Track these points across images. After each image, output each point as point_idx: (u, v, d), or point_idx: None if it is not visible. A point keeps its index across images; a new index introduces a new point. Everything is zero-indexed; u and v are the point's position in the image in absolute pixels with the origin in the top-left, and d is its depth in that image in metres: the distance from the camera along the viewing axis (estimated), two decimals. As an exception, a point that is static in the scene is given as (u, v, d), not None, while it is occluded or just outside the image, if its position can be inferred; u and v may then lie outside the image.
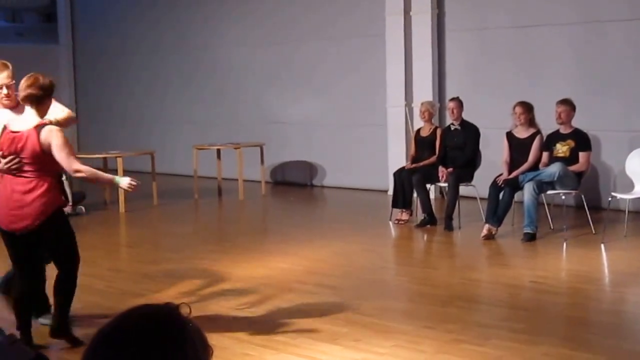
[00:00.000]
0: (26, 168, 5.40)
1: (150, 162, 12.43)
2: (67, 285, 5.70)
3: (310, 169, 14.00)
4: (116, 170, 11.75)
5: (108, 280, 7.87)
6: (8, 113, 5.73)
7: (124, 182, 5.61)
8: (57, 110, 5.79)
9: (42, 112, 5.48)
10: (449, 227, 9.47)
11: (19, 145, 5.37)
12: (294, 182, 14.12)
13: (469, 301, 6.93)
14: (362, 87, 13.00)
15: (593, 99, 9.97)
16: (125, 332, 1.67)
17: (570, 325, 6.22)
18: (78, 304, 7.03)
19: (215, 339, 5.64)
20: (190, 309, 1.78)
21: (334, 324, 6.07)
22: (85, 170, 5.46)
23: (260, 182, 13.15)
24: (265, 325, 6.10)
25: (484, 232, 8.94)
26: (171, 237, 9.91)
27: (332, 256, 8.45)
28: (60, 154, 5.33)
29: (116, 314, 1.74)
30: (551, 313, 6.48)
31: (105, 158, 12.62)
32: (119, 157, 12.07)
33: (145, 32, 16.19)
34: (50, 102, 5.54)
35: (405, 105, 12.13)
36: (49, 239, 5.57)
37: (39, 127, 5.37)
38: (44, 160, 5.38)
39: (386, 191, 12.16)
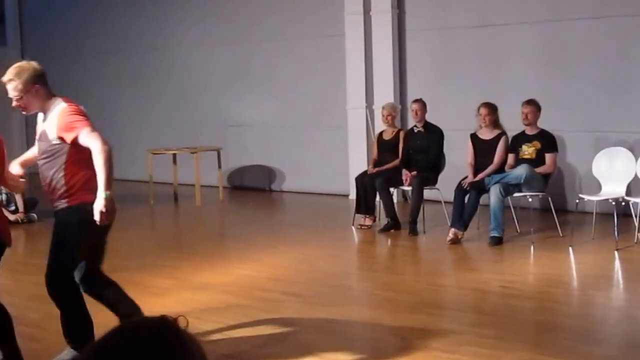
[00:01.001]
0: None
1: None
2: None
3: (268, 173, 13.73)
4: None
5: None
6: None
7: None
8: None
9: None
10: (413, 232, 9.27)
11: None
12: (252, 187, 13.83)
13: (437, 307, 6.78)
14: (322, 88, 12.78)
15: (558, 99, 9.85)
16: (120, 347, 1.55)
17: (541, 330, 6.07)
18: (36, 314, 6.75)
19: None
20: (187, 321, 1.65)
21: (301, 333, 5.87)
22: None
23: (217, 187, 12.86)
24: (231, 335, 5.84)
25: (450, 236, 8.75)
26: (128, 244, 9.54)
27: (295, 262, 8.21)
28: None
29: (109, 329, 1.61)
30: (521, 318, 6.36)
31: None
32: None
33: (98, 33, 15.77)
34: None
35: (366, 107, 11.93)
36: None
37: None
38: None
39: (347, 195, 11.95)
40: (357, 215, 9.89)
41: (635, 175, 8.66)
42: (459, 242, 8.75)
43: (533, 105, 8.89)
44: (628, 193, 8.62)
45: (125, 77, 15.48)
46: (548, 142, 8.87)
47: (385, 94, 11.56)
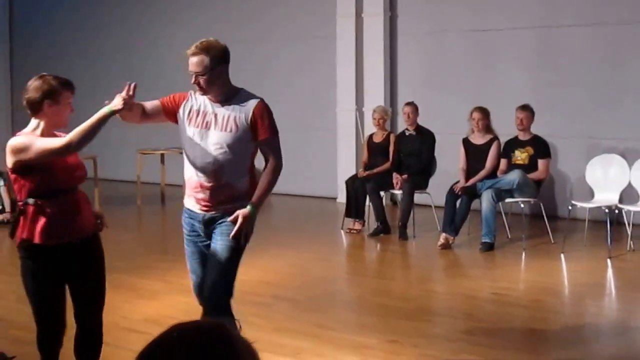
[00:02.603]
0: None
1: (92, 167, 11.94)
2: None
3: (256, 174, 13.60)
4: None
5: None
6: None
7: (117, 102, 4.55)
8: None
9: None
10: (403, 236, 9.20)
11: None
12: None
13: (432, 314, 6.76)
14: (312, 90, 12.69)
15: (550, 105, 9.81)
16: (171, 353, 1.55)
17: (534, 339, 6.05)
18: (27, 317, 6.60)
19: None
20: (240, 325, 1.68)
21: (295, 338, 5.80)
22: (72, 138, 4.34)
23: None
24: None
25: (441, 241, 8.69)
26: (117, 245, 9.37)
27: (286, 266, 8.13)
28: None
29: (159, 333, 1.62)
30: (514, 326, 6.32)
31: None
32: (59, 160, 11.51)
33: (87, 33, 15.61)
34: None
35: (356, 109, 11.85)
36: None
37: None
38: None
39: (335, 198, 11.87)
40: (346, 219, 9.81)
41: (629, 183, 8.63)
42: (449, 247, 8.69)
43: (528, 111, 8.85)
44: (620, 201, 8.59)
45: (114, 76, 15.29)
46: (541, 148, 8.83)
47: (375, 97, 11.49)
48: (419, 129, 9.62)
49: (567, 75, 10.05)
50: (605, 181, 8.81)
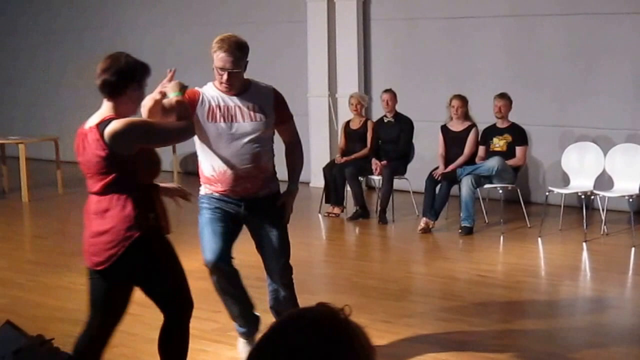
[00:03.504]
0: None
1: (54, 149, 11.81)
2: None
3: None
4: (17, 158, 11.15)
5: (30, 274, 7.42)
6: None
7: (174, 85, 4.38)
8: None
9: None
10: (383, 220, 9.31)
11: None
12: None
13: (417, 294, 6.92)
14: (282, 76, 12.60)
15: (526, 93, 9.96)
16: (289, 344, 1.55)
17: (514, 313, 6.32)
18: (4, 299, 6.55)
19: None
20: (350, 309, 1.64)
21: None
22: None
23: (171, 172, 12.68)
24: (217, 321, 5.77)
25: (422, 225, 8.82)
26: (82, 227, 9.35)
27: (270, 249, 8.13)
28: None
29: (271, 325, 1.61)
30: (499, 305, 6.51)
31: (2, 144, 11.99)
32: (21, 143, 11.38)
33: (39, 11, 15.29)
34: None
35: (329, 95, 11.87)
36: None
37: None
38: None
39: (308, 183, 11.89)
40: (325, 204, 9.87)
41: (603, 169, 8.84)
42: (429, 231, 8.82)
43: (506, 99, 9.01)
44: (594, 187, 8.79)
45: (76, 59, 15.09)
46: (519, 135, 9.00)
47: (349, 83, 11.52)
48: (398, 116, 9.71)
49: (543, 63, 10.21)
50: (580, 168, 9.01)
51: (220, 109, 4.70)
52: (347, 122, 10.17)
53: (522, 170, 9.57)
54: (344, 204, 9.79)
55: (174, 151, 12.59)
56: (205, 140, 4.75)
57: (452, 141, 9.19)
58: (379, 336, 5.54)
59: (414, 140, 9.77)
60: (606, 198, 8.62)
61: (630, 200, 8.41)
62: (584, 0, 9.85)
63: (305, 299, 6.33)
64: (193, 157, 13.59)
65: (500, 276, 7.33)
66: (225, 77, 4.64)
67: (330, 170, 9.82)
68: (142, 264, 4.05)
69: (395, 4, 11.50)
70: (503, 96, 9.01)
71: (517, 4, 10.37)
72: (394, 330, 5.67)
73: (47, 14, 15.26)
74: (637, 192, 8.46)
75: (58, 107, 15.10)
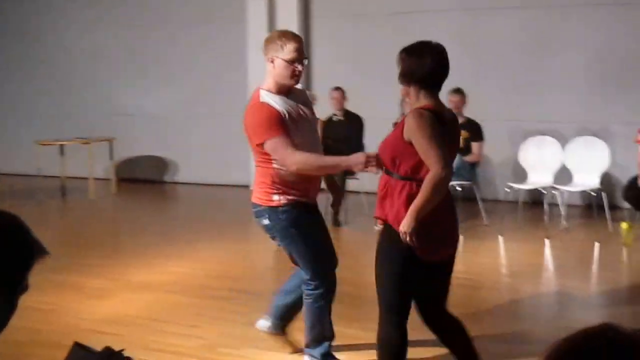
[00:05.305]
0: None
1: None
2: None
3: (162, 164, 13.18)
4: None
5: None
6: None
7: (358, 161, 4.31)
8: None
9: None
10: (336, 223, 9.10)
11: None
12: (145, 179, 13.24)
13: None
14: (221, 75, 12.35)
15: (477, 88, 9.88)
16: None
17: (499, 317, 6.11)
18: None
19: (155, 357, 4.96)
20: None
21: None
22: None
23: (109, 179, 12.26)
24: (201, 336, 5.49)
25: (379, 225, 8.59)
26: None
27: (230, 257, 7.88)
28: None
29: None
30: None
31: None
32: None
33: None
34: None
35: (270, 95, 11.59)
36: None
37: None
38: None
39: (248, 186, 11.59)
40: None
41: (562, 164, 8.83)
42: (387, 232, 8.63)
43: (460, 94, 8.90)
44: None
45: (9, 64, 14.43)
46: (475, 131, 8.91)
47: (290, 82, 11.27)
48: (347, 114, 9.51)
49: (494, 58, 10.16)
50: (539, 163, 8.96)
51: (292, 114, 4.53)
52: (294, 122, 9.90)
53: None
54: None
55: (111, 157, 12.19)
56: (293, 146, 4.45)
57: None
58: (346, 343, 5.36)
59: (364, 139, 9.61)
60: (565, 193, 8.60)
61: (593, 194, 8.40)
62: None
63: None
64: (130, 163, 13.26)
65: (479, 277, 7.16)
66: (301, 67, 4.48)
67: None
68: None
69: (336, 2, 11.32)
70: (457, 91, 8.89)
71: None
72: (366, 337, 5.45)
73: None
74: (597, 185, 8.47)
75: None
